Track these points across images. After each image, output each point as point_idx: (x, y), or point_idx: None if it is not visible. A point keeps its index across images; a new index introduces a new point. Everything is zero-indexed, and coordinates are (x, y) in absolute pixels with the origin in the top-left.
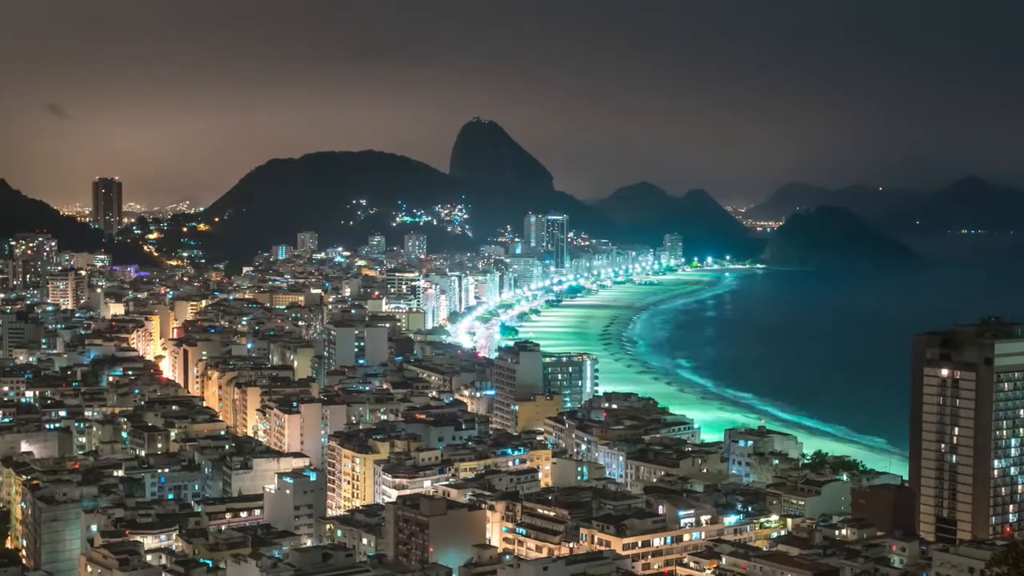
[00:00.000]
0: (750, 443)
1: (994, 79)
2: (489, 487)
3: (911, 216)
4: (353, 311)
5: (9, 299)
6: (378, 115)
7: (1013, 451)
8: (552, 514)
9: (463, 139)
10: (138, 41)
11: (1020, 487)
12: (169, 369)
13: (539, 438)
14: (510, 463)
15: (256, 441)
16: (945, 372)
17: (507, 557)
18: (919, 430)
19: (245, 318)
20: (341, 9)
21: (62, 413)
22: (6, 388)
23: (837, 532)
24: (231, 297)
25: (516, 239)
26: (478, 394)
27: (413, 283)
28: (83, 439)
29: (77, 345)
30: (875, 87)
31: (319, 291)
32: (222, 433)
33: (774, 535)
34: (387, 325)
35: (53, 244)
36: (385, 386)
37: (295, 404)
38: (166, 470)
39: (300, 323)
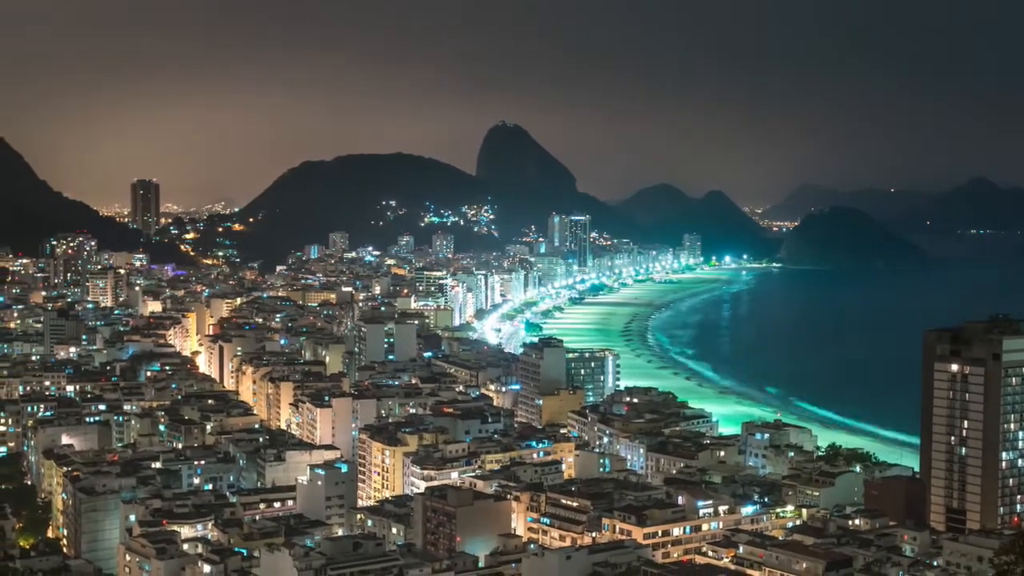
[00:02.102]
0: (766, 436)
1: (1002, 82)
2: (514, 478)
3: (922, 217)
4: (383, 308)
5: (51, 297)
6: (407, 119)
7: (1021, 444)
8: (575, 504)
9: (489, 142)
10: (174, 47)
11: None
12: (205, 364)
13: (563, 431)
14: (534, 455)
15: (289, 434)
16: (955, 367)
17: (532, 546)
18: (930, 423)
19: (278, 315)
20: (371, 17)
21: (102, 407)
22: (48, 383)
23: (850, 522)
24: (265, 295)
25: (540, 239)
26: (504, 389)
27: (441, 281)
28: (122, 432)
29: (116, 341)
30: (886, 92)
31: (350, 289)
32: (256, 426)
33: (789, 525)
34: (416, 322)
35: (93, 244)
36: (414, 381)
37: (327, 398)
38: (202, 462)
39: (331, 320)
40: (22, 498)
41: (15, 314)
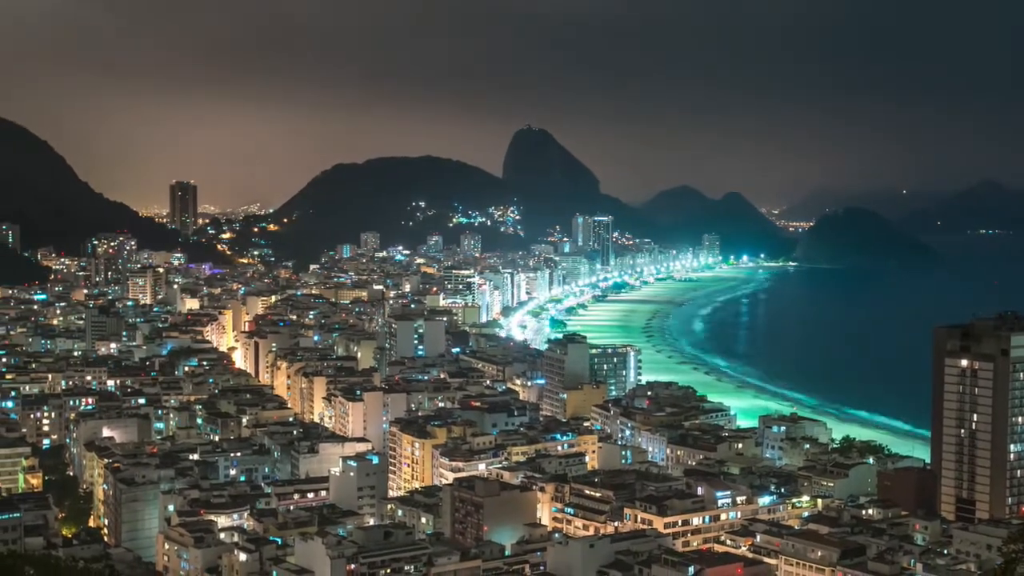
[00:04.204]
0: (783, 429)
1: (1009, 87)
2: (539, 470)
3: (933, 217)
4: (412, 306)
5: (92, 294)
6: (436, 123)
7: None
8: (598, 495)
9: (515, 145)
10: (212, 53)
11: None
12: (241, 360)
13: (586, 424)
14: (559, 447)
15: (322, 427)
16: (965, 362)
17: (556, 535)
18: (940, 416)
19: (312, 312)
20: (401, 28)
21: (141, 401)
22: (89, 377)
23: (864, 512)
24: (299, 293)
25: (565, 239)
26: (529, 383)
27: (468, 280)
28: (161, 425)
29: (155, 337)
30: (897, 96)
31: (381, 287)
32: (290, 419)
33: (805, 514)
34: (444, 319)
35: (133, 243)
36: (442, 376)
37: (358, 392)
38: (238, 454)
39: (363, 317)
40: (65, 489)
41: (58, 311)
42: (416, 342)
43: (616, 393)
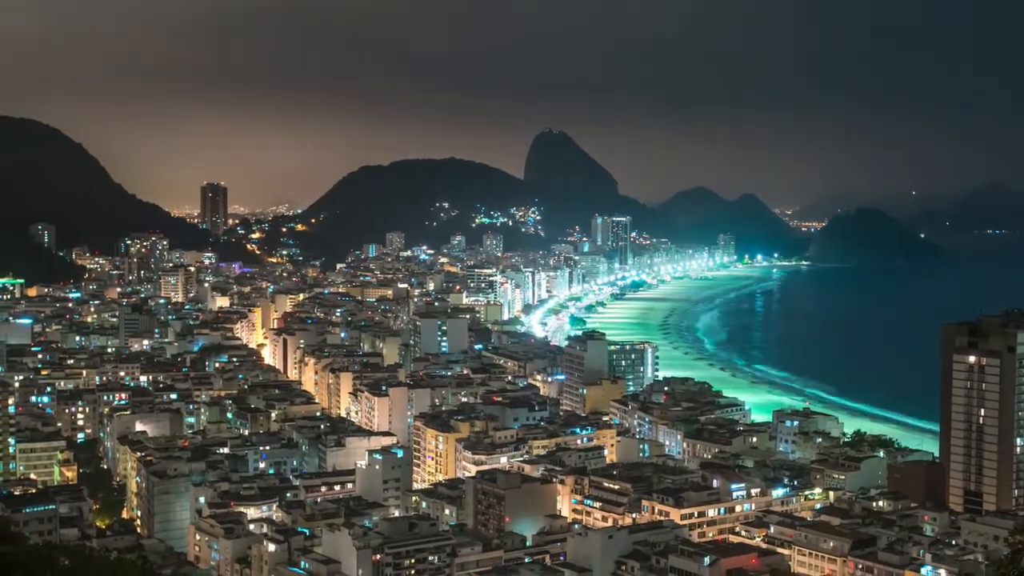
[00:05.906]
0: (796, 423)
1: (1018, 87)
2: (559, 463)
3: (941, 218)
4: (436, 304)
5: (125, 293)
6: (459, 126)
7: None
8: (617, 487)
9: (536, 148)
10: (240, 59)
11: None
12: (270, 356)
13: (605, 418)
14: (579, 441)
15: (349, 421)
16: (972, 359)
17: (576, 526)
18: (949, 411)
19: (339, 310)
20: (422, 39)
21: (173, 396)
22: (122, 373)
23: (874, 504)
24: (326, 291)
25: (584, 238)
26: (550, 379)
27: (491, 278)
28: (192, 419)
29: (187, 334)
30: (905, 99)
31: (406, 286)
32: (318, 414)
33: (817, 506)
34: (467, 316)
35: (165, 243)
36: (465, 371)
37: (384, 388)
38: (267, 447)
39: (388, 315)
40: (99, 481)
41: (92, 309)
42: (440, 339)
43: (634, 388)
